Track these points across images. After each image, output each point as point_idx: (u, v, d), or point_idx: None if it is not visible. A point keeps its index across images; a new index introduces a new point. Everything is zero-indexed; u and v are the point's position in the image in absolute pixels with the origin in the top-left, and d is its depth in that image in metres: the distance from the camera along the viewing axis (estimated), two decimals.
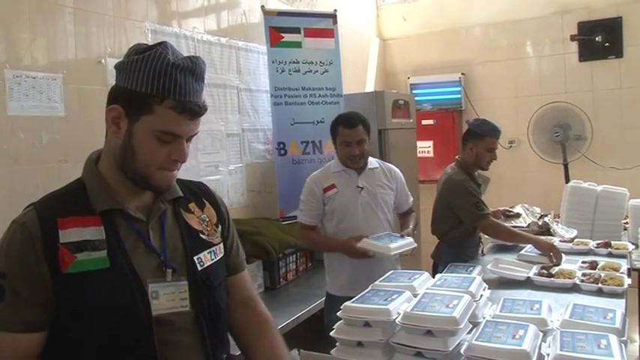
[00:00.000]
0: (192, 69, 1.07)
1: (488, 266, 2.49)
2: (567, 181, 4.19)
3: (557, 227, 3.21)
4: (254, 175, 3.49)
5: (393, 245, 2.30)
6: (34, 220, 1.04)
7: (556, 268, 2.39)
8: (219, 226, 1.27)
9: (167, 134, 1.07)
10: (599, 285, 2.17)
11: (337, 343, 1.55)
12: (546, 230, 3.22)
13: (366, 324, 1.49)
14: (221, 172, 3.24)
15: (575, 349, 1.33)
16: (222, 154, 3.25)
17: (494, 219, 2.94)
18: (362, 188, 2.53)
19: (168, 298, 1.11)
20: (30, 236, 1.03)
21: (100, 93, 2.39)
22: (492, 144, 2.89)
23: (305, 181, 2.61)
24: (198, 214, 1.24)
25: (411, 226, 2.57)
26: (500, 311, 1.65)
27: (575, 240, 2.92)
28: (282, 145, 3.45)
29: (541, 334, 1.46)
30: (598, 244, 2.80)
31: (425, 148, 5.05)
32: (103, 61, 2.51)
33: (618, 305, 1.91)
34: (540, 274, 2.34)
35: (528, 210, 3.59)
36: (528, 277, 2.35)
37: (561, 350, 1.33)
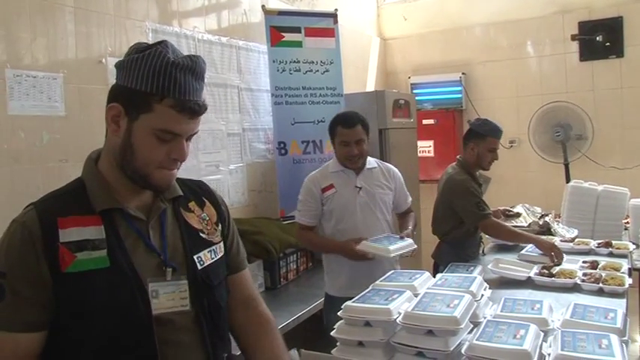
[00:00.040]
0: (192, 68, 1.07)
1: (489, 266, 2.48)
2: (568, 180, 4.19)
3: (557, 227, 3.21)
4: (255, 174, 3.49)
5: (392, 247, 2.28)
6: (34, 220, 1.04)
7: (557, 268, 2.38)
8: (220, 225, 1.27)
9: (166, 133, 1.07)
10: (600, 285, 2.16)
11: (338, 343, 1.55)
12: (547, 230, 3.22)
13: (367, 324, 1.49)
14: (222, 172, 3.24)
15: (576, 349, 1.32)
16: (222, 153, 3.24)
17: (495, 219, 2.94)
18: (360, 188, 2.51)
19: (169, 297, 1.10)
20: (30, 236, 1.03)
21: (100, 92, 2.39)
22: (494, 144, 2.89)
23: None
24: (198, 212, 1.24)
25: (410, 227, 2.55)
26: (501, 311, 1.65)
27: (576, 240, 2.92)
28: (282, 145, 3.45)
29: (542, 333, 1.46)
30: (599, 243, 2.80)
31: (425, 147, 5.05)
32: (103, 60, 2.51)
33: (619, 305, 1.91)
34: (541, 274, 2.34)
35: (529, 210, 3.59)
36: (529, 277, 2.34)
37: (562, 350, 1.33)
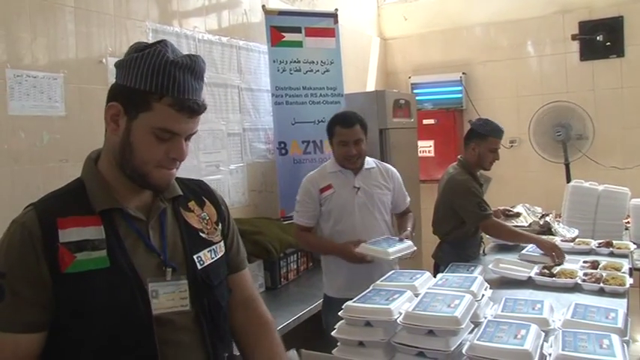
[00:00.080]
0: (192, 67, 1.07)
1: (490, 266, 2.48)
2: (568, 180, 4.19)
3: (558, 227, 3.21)
4: (255, 174, 3.49)
5: (391, 250, 2.27)
6: (34, 220, 1.04)
7: (557, 268, 2.38)
8: (220, 225, 1.27)
9: (165, 131, 1.06)
10: (601, 285, 2.16)
11: (338, 343, 1.54)
12: (548, 230, 3.22)
13: (368, 324, 1.49)
14: (222, 172, 3.23)
15: (577, 349, 1.32)
16: (223, 153, 3.24)
17: (496, 219, 2.94)
18: (358, 189, 2.49)
19: (168, 297, 1.10)
20: (30, 236, 1.03)
21: (100, 92, 2.38)
22: (495, 144, 2.88)
23: None
24: (198, 212, 1.23)
25: (409, 229, 2.52)
26: (502, 311, 1.65)
27: (577, 240, 2.92)
28: (283, 145, 3.45)
29: (543, 333, 1.46)
30: (599, 243, 2.80)
31: (426, 147, 5.05)
32: (103, 60, 2.51)
33: (620, 305, 1.91)
34: (542, 274, 2.33)
35: (529, 210, 3.58)
36: (530, 277, 2.34)
37: (563, 350, 1.32)
